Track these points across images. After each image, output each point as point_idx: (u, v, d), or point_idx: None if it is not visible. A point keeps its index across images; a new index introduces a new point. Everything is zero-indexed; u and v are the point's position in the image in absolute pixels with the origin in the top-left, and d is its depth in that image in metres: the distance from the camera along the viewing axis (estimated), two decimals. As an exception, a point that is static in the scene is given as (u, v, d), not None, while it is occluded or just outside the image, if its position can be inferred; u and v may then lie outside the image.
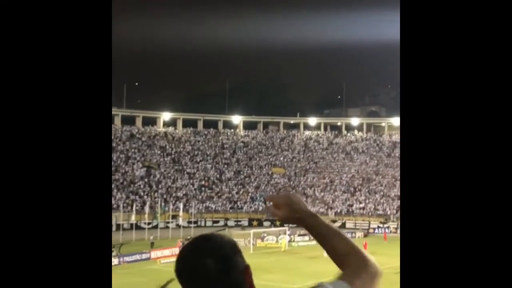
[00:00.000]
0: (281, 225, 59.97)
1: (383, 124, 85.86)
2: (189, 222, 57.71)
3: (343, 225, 63.79)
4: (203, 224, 62.27)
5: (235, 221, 64.08)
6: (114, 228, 56.46)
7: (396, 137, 79.91)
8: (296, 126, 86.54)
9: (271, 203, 2.29)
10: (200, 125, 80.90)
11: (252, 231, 48.89)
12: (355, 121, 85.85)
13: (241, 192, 70.41)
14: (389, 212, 65.53)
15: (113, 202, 61.41)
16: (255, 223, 63.93)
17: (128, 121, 76.74)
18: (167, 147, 74.41)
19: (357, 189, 70.70)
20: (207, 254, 1.92)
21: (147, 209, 56.58)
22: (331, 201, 69.14)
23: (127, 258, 38.53)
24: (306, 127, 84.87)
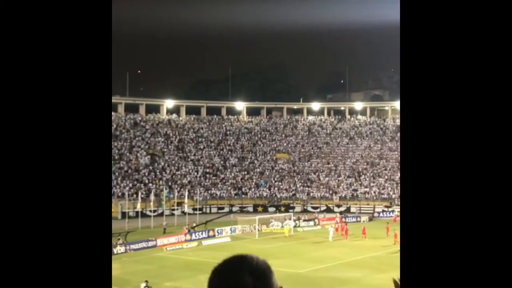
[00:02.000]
0: (286, 211, 60.19)
1: (386, 108, 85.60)
2: (194, 209, 57.94)
3: (347, 210, 63.93)
4: (208, 211, 62.53)
5: (240, 207, 64.31)
6: (119, 216, 56.81)
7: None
8: (299, 111, 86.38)
9: None
10: (203, 112, 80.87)
11: (257, 217, 49.05)
12: (358, 105, 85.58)
13: (245, 178, 70.56)
14: (393, 196, 65.58)
15: (118, 190, 61.68)
16: (260, 209, 64.14)
17: (131, 109, 76.77)
18: (171, 134, 74.48)
19: (361, 174, 70.73)
20: (246, 272, 2.06)
21: (152, 196, 56.80)
22: (335, 186, 69.23)
23: (133, 246, 38.76)
24: (310, 112, 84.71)
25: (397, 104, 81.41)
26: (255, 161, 73.93)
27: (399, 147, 72.88)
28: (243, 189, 68.71)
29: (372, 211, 62.51)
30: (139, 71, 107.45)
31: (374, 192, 67.30)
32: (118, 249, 37.12)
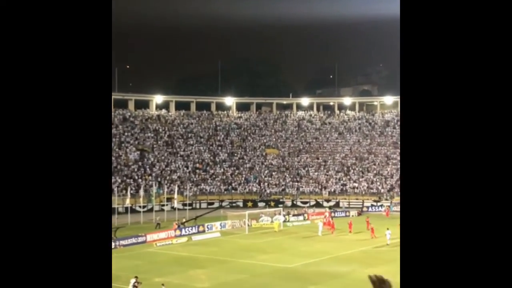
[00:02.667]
0: (276, 206, 60.33)
1: (375, 103, 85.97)
2: (184, 205, 57.89)
3: (337, 204, 64.20)
4: (198, 206, 62.49)
5: (229, 202, 64.33)
6: (109, 212, 56.57)
7: (389, 116, 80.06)
8: (289, 106, 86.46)
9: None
10: (193, 107, 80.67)
11: (247, 212, 49.11)
12: (347, 100, 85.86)
13: (235, 173, 70.58)
14: (382, 191, 65.95)
15: (107, 186, 61.42)
16: (249, 204, 64.22)
17: (120, 104, 76.37)
18: (160, 130, 74.25)
19: (350, 168, 71.02)
20: None
21: (141, 192, 56.65)
22: (324, 181, 69.47)
23: (123, 242, 38.66)
24: (299, 107, 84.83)
25: (385, 99, 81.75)
26: (245, 157, 73.95)
27: (387, 142, 73.36)
28: (233, 184, 68.74)
29: (361, 206, 62.84)
30: (128, 66, 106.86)
31: (363, 187, 67.64)
32: (111, 249, 37.04)
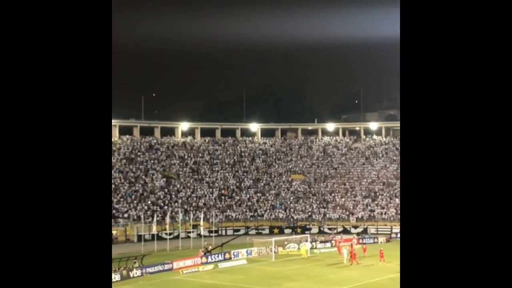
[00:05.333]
0: (302, 232, 59.64)
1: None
2: (210, 231, 57.69)
3: (365, 231, 63.15)
4: (224, 233, 62.19)
5: (255, 229, 63.86)
6: (136, 239, 56.73)
7: (416, 140, 79.05)
8: (314, 132, 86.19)
9: None
10: (218, 133, 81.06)
11: (273, 239, 48.62)
12: (373, 125, 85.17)
13: (261, 199, 70.25)
14: (411, 216, 64.74)
15: (134, 213, 61.74)
16: (276, 230, 63.65)
17: (146, 132, 77.28)
18: (186, 156, 74.66)
19: (378, 194, 70.03)
20: None
21: (167, 219, 56.71)
22: (352, 207, 68.57)
23: (149, 269, 38.56)
24: (324, 132, 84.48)
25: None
26: (270, 183, 73.66)
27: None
28: (259, 210, 68.36)
29: (389, 232, 61.67)
30: (154, 94, 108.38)
31: (391, 213, 66.51)
32: (134, 273, 36.97)
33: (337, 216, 67.33)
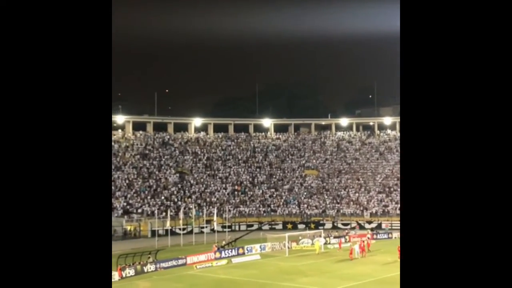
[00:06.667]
0: (316, 228, 59.47)
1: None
2: (223, 227, 57.77)
3: (379, 226, 62.82)
4: (237, 228, 62.25)
5: (269, 224, 63.83)
6: (149, 234, 57.00)
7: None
8: (327, 127, 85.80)
9: None
10: (231, 129, 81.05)
11: (287, 234, 48.53)
12: (387, 120, 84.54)
13: (274, 195, 70.17)
14: (426, 212, 64.30)
15: (148, 208, 62.02)
16: (289, 226, 63.56)
17: (160, 128, 77.54)
18: (199, 152, 74.78)
19: (392, 189, 69.59)
20: None
21: (181, 214, 56.89)
22: (366, 202, 68.23)
23: (163, 264, 38.70)
24: (338, 128, 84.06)
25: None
26: (284, 178, 73.53)
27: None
28: (272, 206, 68.28)
29: (404, 227, 61.30)
30: (167, 91, 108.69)
31: (406, 208, 66.12)
32: (148, 267, 37.13)
33: (351, 212, 67.03)
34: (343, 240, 52.43)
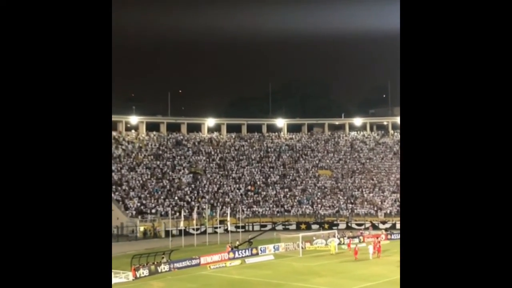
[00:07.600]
0: (330, 228, 59.23)
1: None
2: (237, 227, 57.76)
3: (393, 226, 62.40)
4: (250, 228, 62.20)
5: (282, 224, 63.72)
6: (163, 234, 57.18)
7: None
8: (341, 127, 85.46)
9: None
10: (244, 129, 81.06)
11: (300, 234, 48.38)
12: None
13: (287, 195, 70.03)
14: (440, 212, 63.73)
15: (161, 209, 62.23)
16: (303, 226, 63.39)
17: (173, 128, 77.80)
18: (213, 152, 74.90)
19: (406, 189, 69.14)
20: None
21: (195, 215, 57.00)
22: (380, 202, 67.83)
23: (177, 264, 38.79)
24: (352, 127, 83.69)
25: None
26: (297, 178, 73.36)
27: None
28: (286, 206, 68.16)
29: (418, 228, 60.86)
30: (180, 91, 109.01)
31: (420, 208, 65.66)
32: (162, 268, 37.23)
33: (365, 212, 66.67)
34: (356, 240, 52.17)
